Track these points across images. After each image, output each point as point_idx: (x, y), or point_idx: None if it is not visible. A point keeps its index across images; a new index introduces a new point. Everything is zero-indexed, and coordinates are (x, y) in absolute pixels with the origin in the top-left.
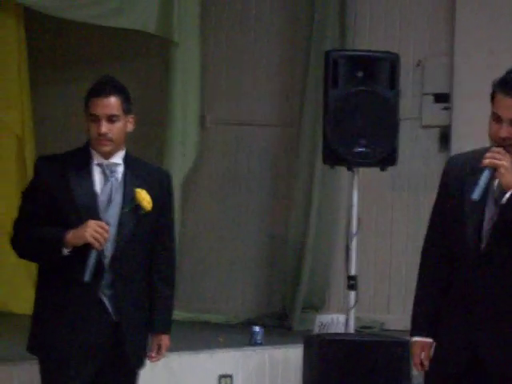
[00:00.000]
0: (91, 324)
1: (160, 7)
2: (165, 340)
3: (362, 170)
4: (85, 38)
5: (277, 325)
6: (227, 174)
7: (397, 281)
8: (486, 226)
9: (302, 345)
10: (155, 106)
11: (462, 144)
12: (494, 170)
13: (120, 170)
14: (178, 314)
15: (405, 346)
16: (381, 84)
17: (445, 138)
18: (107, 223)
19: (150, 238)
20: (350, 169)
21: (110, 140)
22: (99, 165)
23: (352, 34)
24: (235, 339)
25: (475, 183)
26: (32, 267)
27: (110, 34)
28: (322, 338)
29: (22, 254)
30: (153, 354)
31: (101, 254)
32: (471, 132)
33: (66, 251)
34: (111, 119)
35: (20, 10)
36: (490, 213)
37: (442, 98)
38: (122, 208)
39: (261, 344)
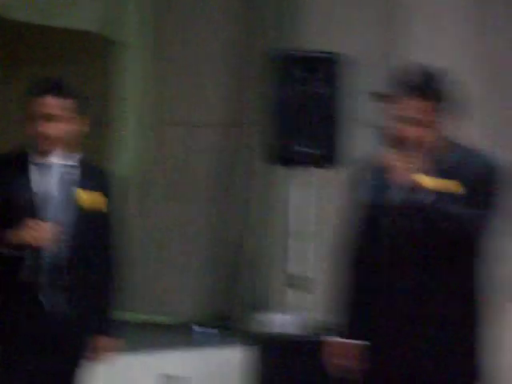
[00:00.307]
0: (30, 322)
1: (105, 8)
2: (104, 341)
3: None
4: (30, 39)
5: (218, 325)
6: (173, 176)
7: None
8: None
9: (244, 345)
10: (104, 107)
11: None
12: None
13: (62, 169)
14: (121, 315)
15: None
16: (321, 83)
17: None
18: (46, 221)
19: (94, 238)
20: (290, 168)
21: (51, 138)
22: (39, 164)
23: (292, 33)
24: (177, 340)
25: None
26: None
27: (54, 34)
28: (263, 337)
29: None
30: (92, 355)
31: (39, 252)
32: None
33: (5, 251)
34: (53, 118)
35: None
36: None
37: (382, 97)
38: (65, 208)
39: (202, 344)
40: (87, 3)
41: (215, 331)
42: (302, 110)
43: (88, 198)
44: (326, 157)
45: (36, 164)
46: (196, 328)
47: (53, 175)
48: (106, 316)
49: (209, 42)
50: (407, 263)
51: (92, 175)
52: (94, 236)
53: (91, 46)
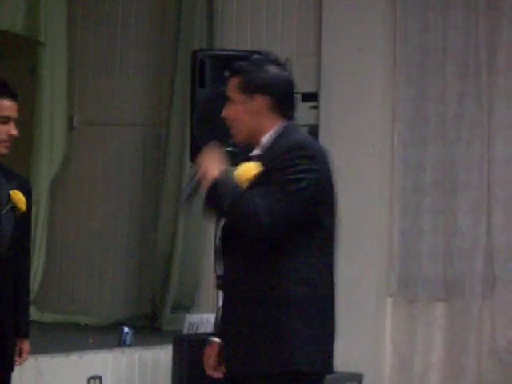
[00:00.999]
0: None
1: (26, 7)
2: (26, 344)
3: None
4: None
5: (146, 326)
6: (96, 176)
7: None
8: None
9: (172, 345)
10: (22, 107)
11: (329, 142)
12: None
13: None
14: (47, 316)
15: None
16: None
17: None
18: None
19: (23, 241)
20: None
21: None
22: None
23: (219, 33)
24: (104, 340)
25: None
26: None
27: None
28: (191, 338)
29: None
30: (16, 358)
31: None
32: (338, 130)
33: None
34: (11, 121)
35: None
36: None
37: (310, 97)
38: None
39: (130, 345)
40: (9, 4)
41: (143, 332)
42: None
43: (22, 199)
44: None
45: None
46: (124, 329)
47: None
48: (27, 320)
49: (134, 42)
50: (224, 256)
51: (15, 180)
52: (17, 238)
53: (12, 46)
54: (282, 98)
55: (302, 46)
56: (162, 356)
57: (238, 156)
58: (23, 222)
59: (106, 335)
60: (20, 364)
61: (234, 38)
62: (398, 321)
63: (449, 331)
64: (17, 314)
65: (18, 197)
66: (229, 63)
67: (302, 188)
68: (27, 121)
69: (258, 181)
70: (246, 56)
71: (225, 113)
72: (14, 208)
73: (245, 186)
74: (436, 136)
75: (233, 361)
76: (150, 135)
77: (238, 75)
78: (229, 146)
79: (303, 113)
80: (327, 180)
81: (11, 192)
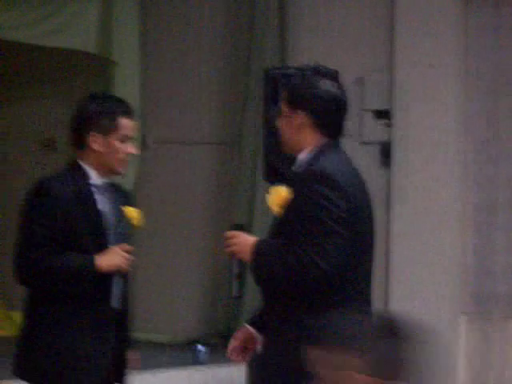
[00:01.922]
0: (102, 347)
1: (99, 26)
2: (134, 355)
3: None
4: (24, 58)
5: (220, 343)
6: (169, 194)
7: None
8: None
9: (246, 363)
10: None
11: (402, 159)
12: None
13: (111, 189)
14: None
15: None
16: None
17: (385, 154)
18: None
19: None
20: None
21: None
22: (97, 185)
23: (291, 50)
24: (179, 358)
25: None
26: None
27: (49, 53)
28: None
29: (35, 284)
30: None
31: (125, 277)
32: (412, 147)
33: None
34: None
35: None
36: None
37: (382, 114)
38: (116, 227)
39: (205, 363)
40: (82, 23)
41: (218, 350)
42: None
43: (136, 216)
44: None
45: (96, 185)
46: (199, 347)
47: (109, 195)
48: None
49: (206, 61)
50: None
51: (124, 194)
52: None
53: (84, 65)
54: (325, 116)
55: (374, 63)
56: (236, 374)
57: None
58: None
59: (179, 353)
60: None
61: (306, 54)
62: (472, 338)
63: None
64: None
65: (134, 214)
66: None
67: (335, 218)
68: None
69: (286, 217)
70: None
71: (276, 123)
72: (130, 225)
73: (277, 209)
74: (509, 153)
75: None
76: (223, 153)
77: (287, 88)
78: None
79: (376, 130)
80: (353, 203)
81: (128, 209)
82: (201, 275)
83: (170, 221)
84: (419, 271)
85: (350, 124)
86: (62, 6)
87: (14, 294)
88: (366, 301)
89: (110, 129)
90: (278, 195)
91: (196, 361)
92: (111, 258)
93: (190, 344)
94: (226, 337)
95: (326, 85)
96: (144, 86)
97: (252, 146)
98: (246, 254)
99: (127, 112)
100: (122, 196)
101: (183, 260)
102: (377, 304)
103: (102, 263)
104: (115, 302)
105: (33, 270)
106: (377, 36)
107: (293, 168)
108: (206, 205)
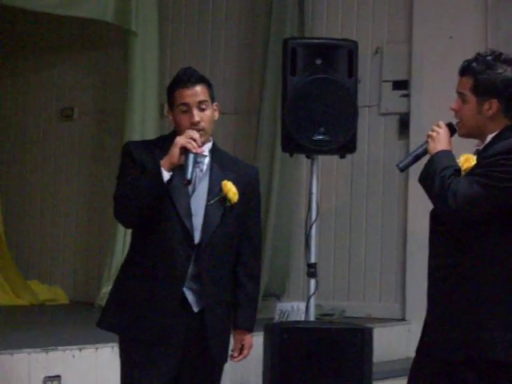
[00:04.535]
0: (174, 318)
1: None
2: (248, 339)
3: (321, 157)
4: (43, 28)
5: None
6: None
7: (357, 268)
8: None
9: (263, 332)
10: (115, 94)
11: (420, 130)
12: None
13: (206, 161)
14: None
15: (365, 333)
16: (339, 71)
17: (404, 125)
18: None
19: (235, 231)
20: (309, 156)
21: (203, 129)
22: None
23: (310, 21)
24: None
25: None
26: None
27: (68, 23)
28: (282, 325)
29: (125, 210)
30: (235, 354)
31: (197, 156)
32: (430, 118)
33: (167, 175)
34: (201, 107)
35: None
36: None
37: (401, 85)
38: (208, 199)
39: None
40: None
41: None
42: (320, 98)
43: (232, 190)
44: (345, 145)
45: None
46: None
47: (199, 166)
48: (250, 313)
49: (224, 31)
50: (431, 241)
51: (235, 168)
52: (238, 230)
53: (104, 35)
54: (511, 101)
55: (393, 34)
56: (253, 343)
57: (332, 145)
58: (235, 212)
59: None
60: (239, 360)
61: (325, 25)
62: None
63: None
64: (236, 305)
65: (228, 187)
66: (320, 51)
67: (499, 185)
68: (120, 108)
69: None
70: (337, 44)
71: (454, 106)
72: (225, 198)
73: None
74: None
75: (437, 345)
76: (242, 123)
77: (472, 76)
78: (320, 134)
79: (394, 101)
80: None
81: (223, 182)
82: None
83: None
84: None
85: (370, 95)
86: None
87: (31, 265)
88: None
89: (170, 102)
90: (468, 162)
91: None
92: (172, 149)
93: None
94: None
95: (509, 70)
96: (162, 56)
97: (270, 117)
98: (433, 147)
99: (183, 82)
100: (227, 169)
101: None
102: None
103: (165, 159)
104: (189, 175)
105: (120, 202)
106: (396, 7)
107: (477, 146)
108: None
